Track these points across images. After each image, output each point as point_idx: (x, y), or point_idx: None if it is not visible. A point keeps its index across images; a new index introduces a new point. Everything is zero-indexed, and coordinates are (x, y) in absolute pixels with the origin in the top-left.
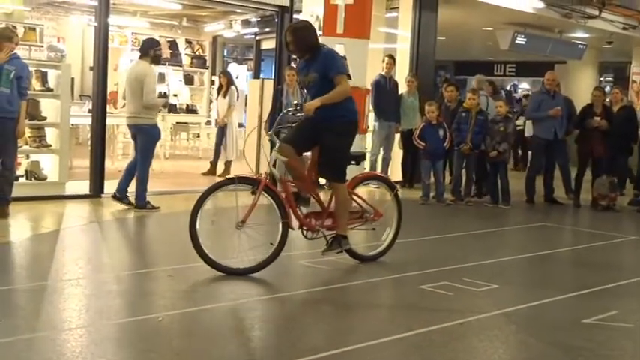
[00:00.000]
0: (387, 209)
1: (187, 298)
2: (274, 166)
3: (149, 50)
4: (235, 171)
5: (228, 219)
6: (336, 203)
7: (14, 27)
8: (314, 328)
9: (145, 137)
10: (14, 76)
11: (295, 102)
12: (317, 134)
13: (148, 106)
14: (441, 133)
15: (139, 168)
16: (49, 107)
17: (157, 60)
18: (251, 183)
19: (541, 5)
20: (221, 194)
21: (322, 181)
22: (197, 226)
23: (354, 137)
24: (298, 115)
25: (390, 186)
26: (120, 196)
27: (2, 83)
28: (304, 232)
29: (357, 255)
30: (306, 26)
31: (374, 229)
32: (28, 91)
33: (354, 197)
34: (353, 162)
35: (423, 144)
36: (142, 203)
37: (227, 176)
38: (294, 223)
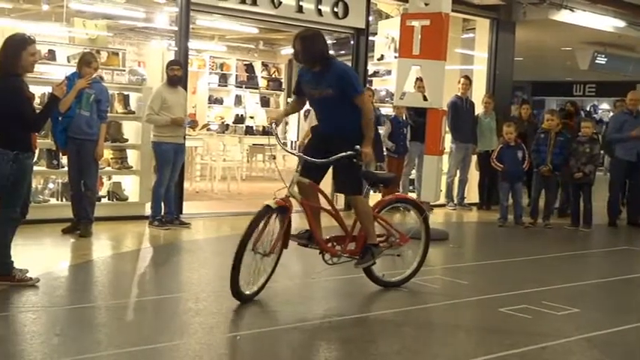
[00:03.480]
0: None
1: (266, 318)
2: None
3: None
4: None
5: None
6: (359, 215)
7: (98, 52)
8: (393, 350)
9: (154, 154)
10: (94, 99)
11: (357, 146)
12: (332, 153)
13: (148, 123)
14: (520, 154)
15: (154, 184)
16: (130, 129)
17: (169, 80)
18: (281, 210)
19: (622, 24)
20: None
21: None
22: (243, 259)
23: None
24: (361, 164)
25: (419, 209)
26: (167, 219)
27: (82, 106)
28: (325, 257)
29: (379, 281)
30: (316, 35)
31: (399, 255)
32: (109, 114)
33: (380, 221)
34: (381, 185)
35: (501, 166)
36: (151, 219)
37: (266, 203)
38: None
